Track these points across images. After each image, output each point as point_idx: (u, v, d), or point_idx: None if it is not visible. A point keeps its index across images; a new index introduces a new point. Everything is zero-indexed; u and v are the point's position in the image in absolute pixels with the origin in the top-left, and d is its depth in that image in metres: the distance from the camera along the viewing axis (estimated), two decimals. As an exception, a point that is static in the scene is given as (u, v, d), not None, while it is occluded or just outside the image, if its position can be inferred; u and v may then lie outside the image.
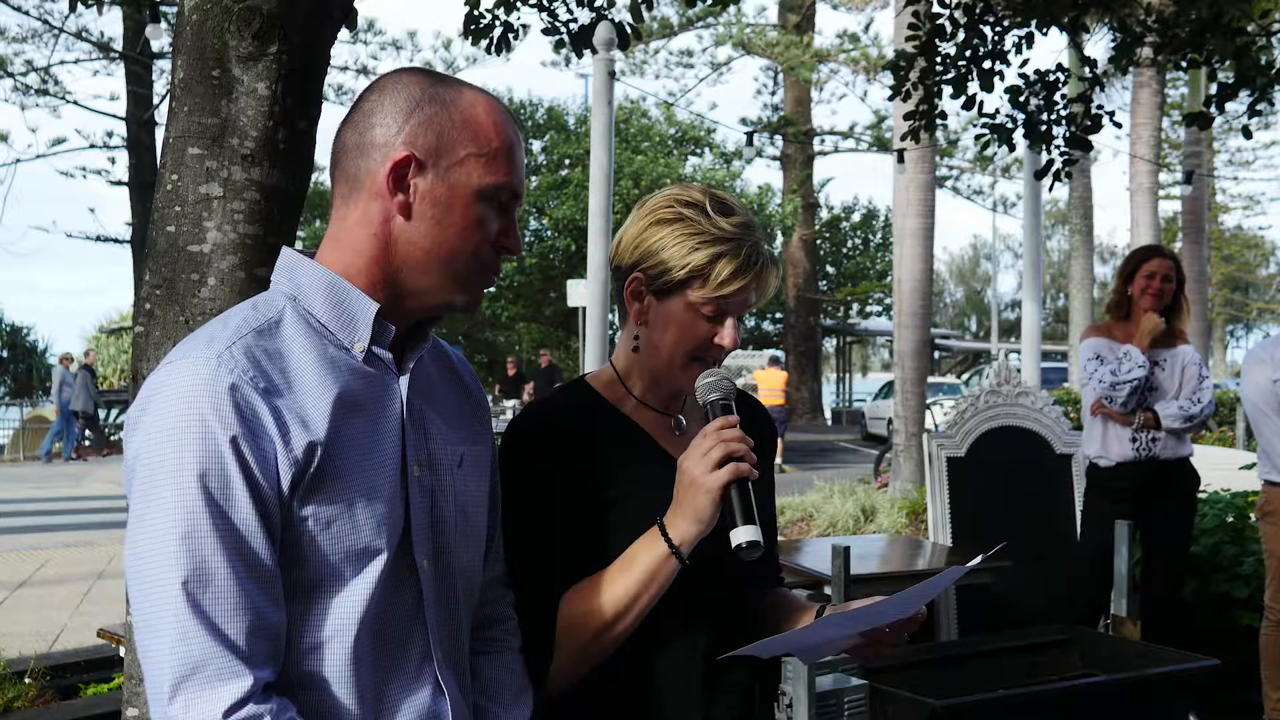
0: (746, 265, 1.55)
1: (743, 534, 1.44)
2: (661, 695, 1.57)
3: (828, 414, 31.47)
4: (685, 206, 1.58)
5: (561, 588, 1.53)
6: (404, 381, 1.33)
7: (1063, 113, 5.85)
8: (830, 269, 32.48)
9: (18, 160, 16.61)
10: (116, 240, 17.49)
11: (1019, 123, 5.88)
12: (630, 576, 1.49)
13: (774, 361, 19.10)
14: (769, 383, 17.50)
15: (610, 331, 9.04)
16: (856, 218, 32.64)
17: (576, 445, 1.58)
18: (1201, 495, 4.88)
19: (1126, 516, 3.95)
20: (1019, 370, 7.26)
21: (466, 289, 1.34)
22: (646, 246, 1.58)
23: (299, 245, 1.61)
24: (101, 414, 23.13)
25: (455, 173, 1.29)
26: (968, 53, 5.73)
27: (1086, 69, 5.94)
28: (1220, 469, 6.24)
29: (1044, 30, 5.81)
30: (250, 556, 1.17)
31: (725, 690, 1.62)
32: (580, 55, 5.66)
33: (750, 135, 15.95)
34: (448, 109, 1.30)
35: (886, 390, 22.75)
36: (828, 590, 3.93)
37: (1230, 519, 5.41)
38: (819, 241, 30.96)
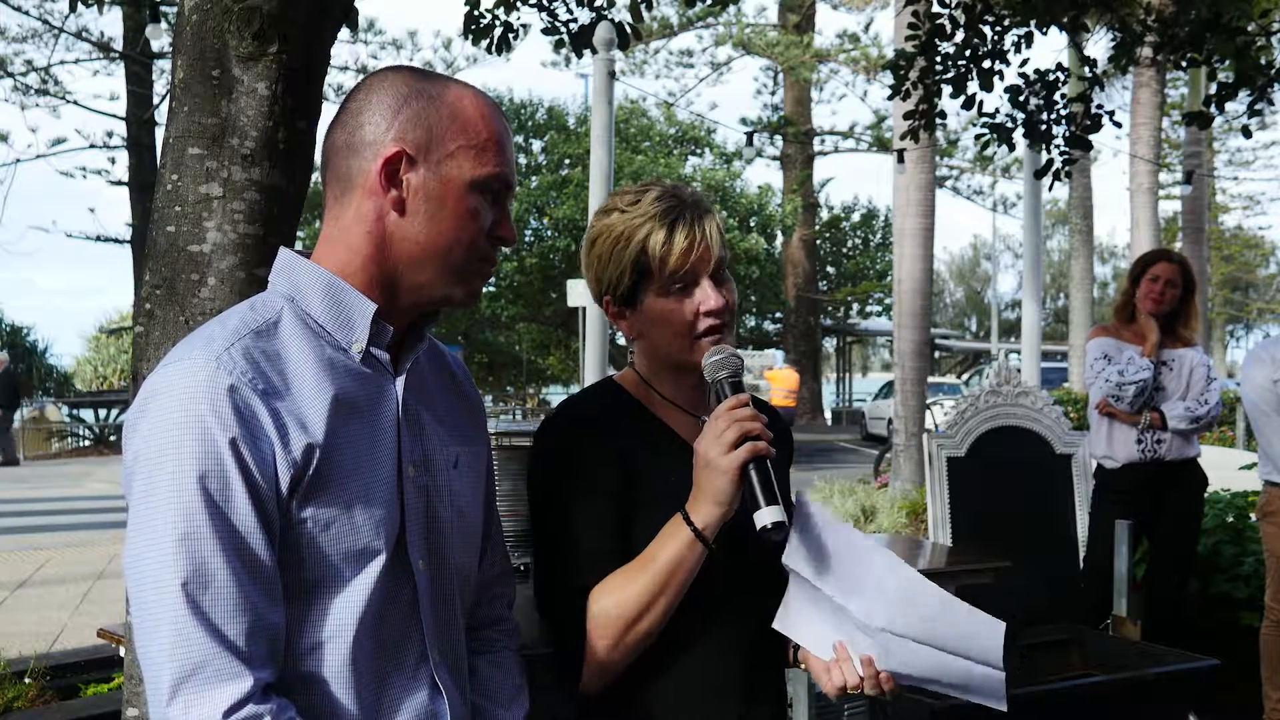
0: (674, 229, 1.54)
1: (766, 515, 1.40)
2: (699, 695, 1.55)
3: (828, 414, 31.48)
4: (604, 215, 1.61)
5: (594, 584, 1.50)
6: (400, 383, 1.33)
7: (1063, 112, 5.86)
8: (830, 269, 32.49)
9: (18, 160, 16.59)
10: (116, 240, 17.48)
11: (1019, 122, 5.89)
12: (656, 567, 1.47)
13: (788, 361, 18.38)
14: (782, 383, 16.49)
15: (610, 331, 9.04)
16: (856, 218, 32.65)
17: (612, 445, 1.56)
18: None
19: (1133, 517, 3.95)
20: (1019, 370, 7.26)
21: (464, 281, 1.34)
22: (595, 270, 1.60)
23: (299, 245, 1.61)
24: (102, 414, 23.18)
25: (446, 166, 1.29)
26: (967, 52, 5.73)
27: (1086, 69, 5.94)
28: (1220, 469, 6.23)
29: (1044, 30, 5.81)
30: (249, 558, 1.17)
31: (763, 691, 1.61)
32: (580, 55, 5.66)
33: (750, 135, 15.94)
34: (435, 103, 1.30)
35: (886, 390, 22.75)
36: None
37: (1230, 519, 5.40)
38: (819, 241, 30.97)
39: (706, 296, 1.55)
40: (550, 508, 1.55)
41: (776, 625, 1.57)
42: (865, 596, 1.48)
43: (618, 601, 1.47)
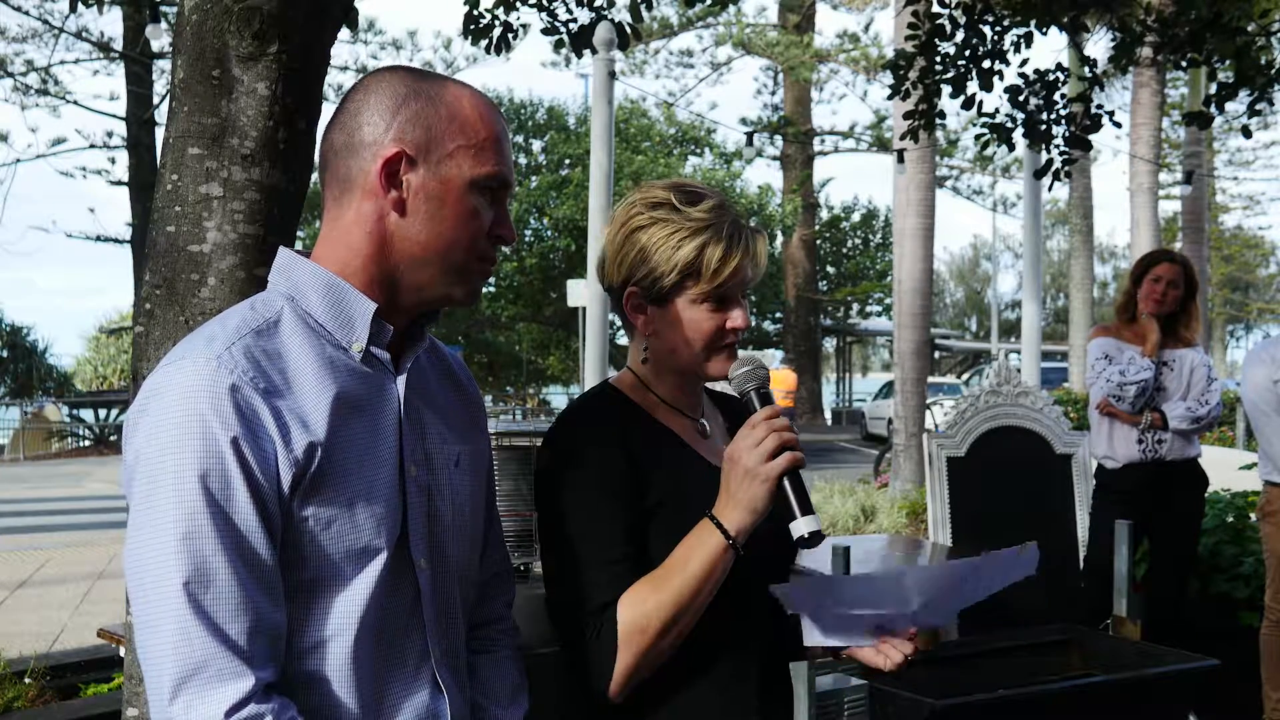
0: (732, 244, 1.54)
1: (803, 525, 1.42)
2: (719, 698, 1.55)
3: (828, 414, 31.48)
4: (654, 209, 1.57)
5: (620, 592, 1.48)
6: (401, 381, 1.33)
7: (1062, 112, 5.86)
8: (830, 269, 32.49)
9: (18, 160, 16.61)
10: (116, 240, 17.48)
11: (1019, 122, 5.89)
12: (688, 572, 1.45)
13: (786, 361, 18.60)
14: (780, 383, 16.72)
15: (610, 331, 9.04)
16: (856, 218, 32.66)
17: (619, 452, 1.54)
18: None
19: (1134, 517, 3.95)
20: (1019, 370, 7.26)
21: (464, 281, 1.34)
22: (630, 259, 1.57)
23: (299, 245, 1.61)
24: (102, 414, 23.19)
25: (446, 166, 1.29)
26: (967, 52, 5.73)
27: (1086, 69, 5.95)
28: (1220, 469, 6.24)
29: (1044, 30, 5.82)
30: (251, 557, 1.17)
31: (778, 689, 1.61)
32: (580, 55, 5.66)
33: (750, 135, 15.93)
34: (434, 103, 1.30)
35: (886, 390, 22.76)
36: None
37: (1230, 519, 5.41)
38: (819, 241, 30.97)
39: (736, 318, 1.56)
40: (563, 520, 1.53)
41: (807, 643, 1.57)
42: (890, 597, 1.50)
43: (649, 611, 1.45)
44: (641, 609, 1.46)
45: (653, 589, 1.46)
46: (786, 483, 1.43)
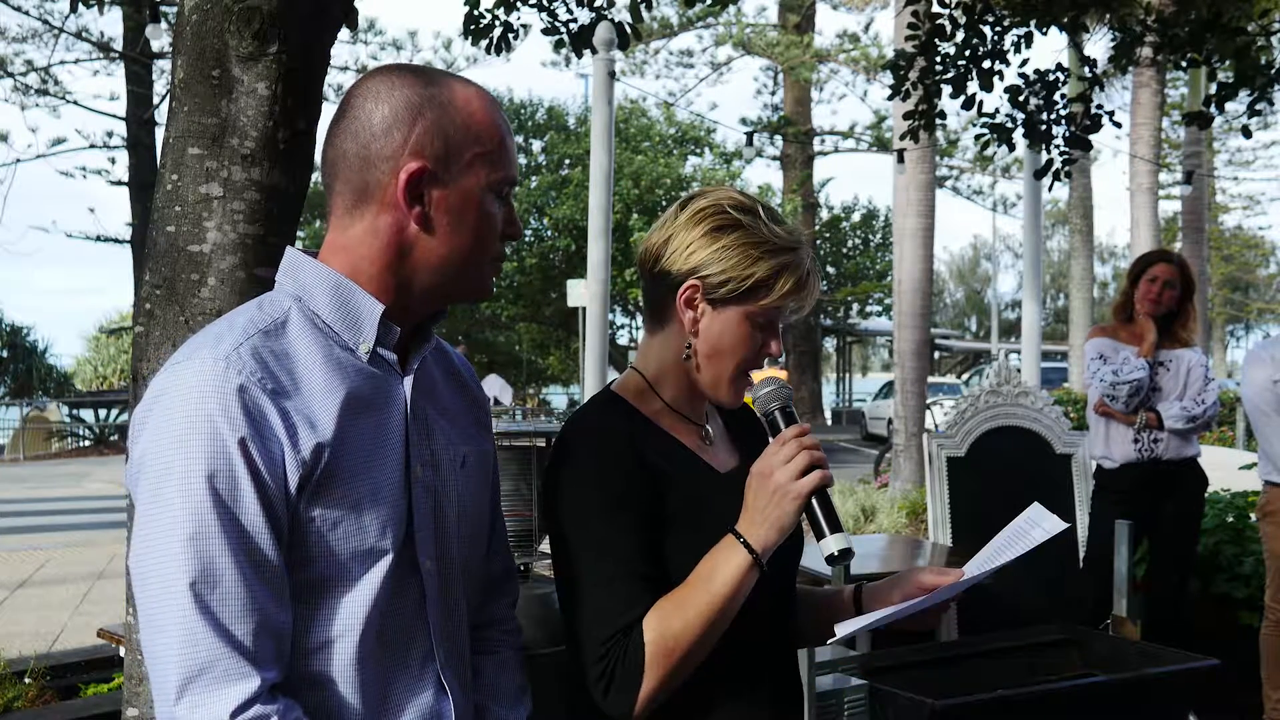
0: (808, 276, 1.56)
1: (833, 543, 1.42)
2: (733, 711, 1.54)
3: (828, 414, 31.49)
4: (741, 213, 1.55)
5: (642, 611, 1.45)
6: (408, 382, 1.33)
7: (1062, 112, 5.86)
8: (830, 269, 32.47)
9: (18, 160, 16.54)
10: (116, 240, 17.46)
11: (1019, 122, 5.89)
12: (714, 591, 1.43)
13: (772, 362, 18.86)
14: None
15: (610, 331, 9.03)
16: (856, 218, 32.62)
17: (633, 463, 1.51)
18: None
19: (1133, 517, 3.96)
20: (1019, 370, 7.26)
21: (478, 281, 1.35)
22: (704, 255, 1.54)
23: (299, 245, 1.61)
24: (102, 414, 23.19)
25: (466, 177, 1.29)
26: (967, 52, 5.73)
27: (1086, 69, 5.95)
28: (1220, 469, 6.23)
29: (1044, 30, 5.82)
30: (258, 557, 1.17)
31: (793, 697, 1.61)
32: (580, 55, 5.66)
33: (750, 135, 15.91)
34: (448, 111, 1.28)
35: (886, 390, 22.77)
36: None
37: (1230, 519, 5.41)
38: (819, 241, 30.95)
39: (774, 345, 1.58)
40: (579, 536, 1.50)
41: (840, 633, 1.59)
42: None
43: (675, 632, 1.42)
44: (667, 629, 1.43)
45: (677, 608, 1.43)
46: (815, 500, 1.43)
